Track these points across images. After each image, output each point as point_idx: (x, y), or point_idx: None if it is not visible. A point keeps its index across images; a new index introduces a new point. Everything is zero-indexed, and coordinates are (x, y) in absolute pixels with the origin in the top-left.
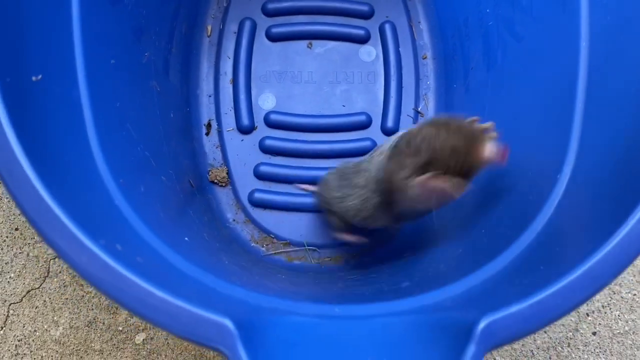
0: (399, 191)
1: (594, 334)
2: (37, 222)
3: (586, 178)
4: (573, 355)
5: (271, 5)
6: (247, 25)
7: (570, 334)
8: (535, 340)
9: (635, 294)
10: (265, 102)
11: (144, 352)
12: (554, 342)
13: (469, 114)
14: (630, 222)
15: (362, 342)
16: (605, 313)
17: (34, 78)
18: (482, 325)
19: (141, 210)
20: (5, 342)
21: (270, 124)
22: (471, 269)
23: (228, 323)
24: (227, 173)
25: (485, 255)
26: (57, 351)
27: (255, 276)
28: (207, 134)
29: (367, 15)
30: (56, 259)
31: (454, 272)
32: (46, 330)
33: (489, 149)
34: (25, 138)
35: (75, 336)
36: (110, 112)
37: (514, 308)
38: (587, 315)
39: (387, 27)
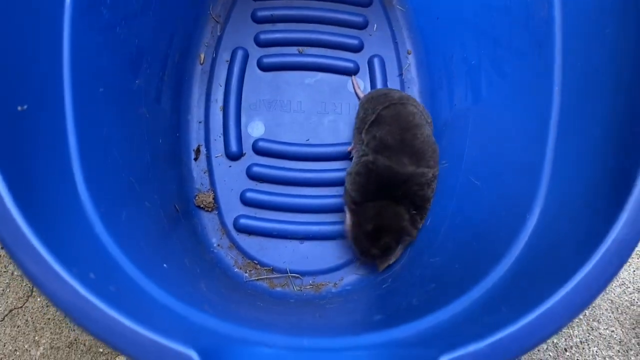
0: None
1: None
2: (10, 247)
3: (553, 218)
4: None
5: (263, 36)
6: (240, 54)
7: None
8: None
9: (613, 331)
10: (255, 129)
11: None
12: None
13: (451, 146)
14: (586, 268)
15: None
16: (584, 349)
17: (19, 108)
18: None
19: (120, 239)
20: None
21: (258, 151)
22: (440, 304)
23: (192, 354)
24: (214, 198)
25: (454, 292)
26: None
27: (232, 304)
28: (195, 159)
29: (356, 49)
30: None
31: (424, 307)
32: (27, 350)
33: None
34: (5, 166)
35: (55, 357)
36: (96, 139)
37: (472, 347)
38: (565, 350)
39: (376, 60)
